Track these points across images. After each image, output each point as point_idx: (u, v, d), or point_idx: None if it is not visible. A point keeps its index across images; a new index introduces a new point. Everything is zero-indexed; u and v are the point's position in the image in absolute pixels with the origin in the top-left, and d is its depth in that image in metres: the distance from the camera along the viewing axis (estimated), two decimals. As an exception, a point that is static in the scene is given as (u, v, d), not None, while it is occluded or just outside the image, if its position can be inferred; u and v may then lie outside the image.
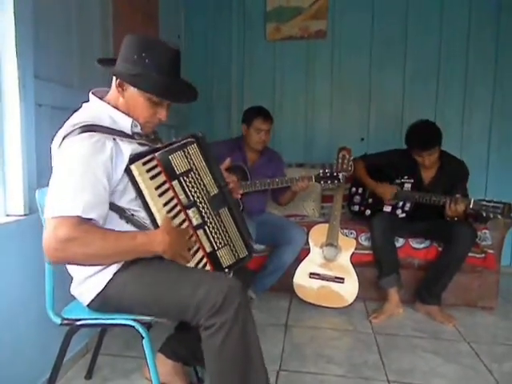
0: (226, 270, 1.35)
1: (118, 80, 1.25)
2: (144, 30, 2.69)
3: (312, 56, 3.45)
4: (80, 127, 1.16)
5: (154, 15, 2.87)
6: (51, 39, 1.71)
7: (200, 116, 3.50)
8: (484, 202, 2.27)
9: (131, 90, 1.25)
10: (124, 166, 1.20)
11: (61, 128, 1.22)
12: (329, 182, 2.42)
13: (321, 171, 2.44)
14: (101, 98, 1.29)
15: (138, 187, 1.22)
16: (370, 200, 2.75)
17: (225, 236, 1.36)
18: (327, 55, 3.43)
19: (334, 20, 3.37)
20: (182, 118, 3.25)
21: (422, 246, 2.57)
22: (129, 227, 1.24)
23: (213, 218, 1.34)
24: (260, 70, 3.54)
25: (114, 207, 1.22)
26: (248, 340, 1.17)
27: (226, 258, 1.35)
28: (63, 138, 1.17)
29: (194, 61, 3.51)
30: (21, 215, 1.52)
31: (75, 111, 1.28)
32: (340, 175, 2.40)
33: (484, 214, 2.28)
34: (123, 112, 1.27)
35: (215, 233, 1.34)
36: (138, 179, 1.21)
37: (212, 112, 3.60)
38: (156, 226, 1.24)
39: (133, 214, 1.25)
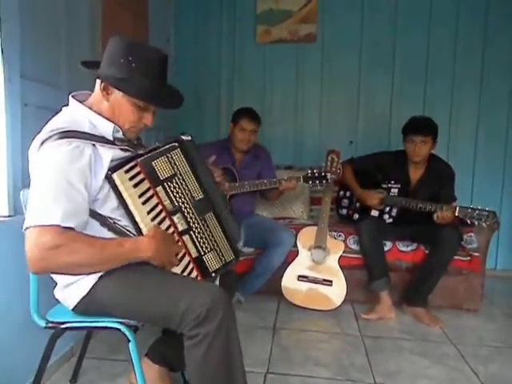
0: (213, 275, 1.34)
1: (103, 83, 1.22)
2: (133, 31, 2.68)
3: (301, 59, 3.47)
4: (58, 133, 1.12)
5: (143, 17, 2.85)
6: (38, 39, 1.69)
7: (189, 118, 3.49)
8: (469, 210, 2.29)
9: (116, 94, 1.22)
10: (104, 173, 1.17)
11: (39, 133, 1.18)
12: (317, 182, 2.43)
13: (309, 171, 2.45)
14: (82, 102, 1.25)
15: (121, 196, 1.19)
16: (358, 204, 2.77)
17: (211, 241, 1.35)
18: (317, 58, 3.46)
19: (323, 23, 3.40)
20: (172, 121, 3.23)
21: (409, 248, 2.59)
22: (110, 235, 1.21)
23: (198, 223, 1.33)
24: (250, 72, 3.54)
25: (94, 215, 1.19)
26: (231, 354, 1.15)
27: (212, 262, 1.34)
28: (41, 144, 1.13)
29: (183, 63, 3.50)
30: (5, 216, 1.50)
31: (56, 114, 1.25)
32: (328, 175, 2.42)
33: (469, 222, 2.31)
34: (106, 117, 1.23)
35: (201, 238, 1.32)
36: (121, 188, 1.19)
37: (201, 114, 3.59)
38: (140, 234, 1.22)
39: (115, 222, 1.22)
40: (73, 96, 1.27)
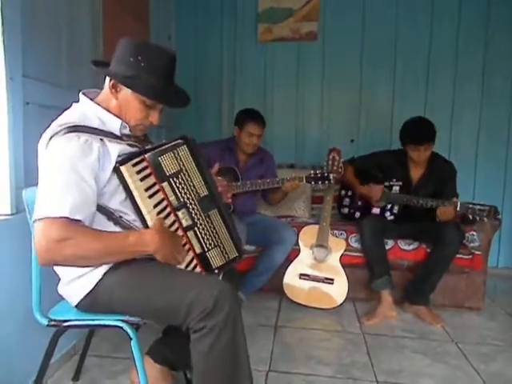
0: (216, 271, 1.35)
1: (112, 81, 1.24)
2: (134, 30, 2.68)
3: (303, 57, 3.47)
4: (67, 127, 1.15)
5: (144, 16, 2.85)
6: (40, 38, 1.70)
7: (191, 117, 3.49)
8: (470, 205, 2.30)
9: (125, 92, 1.24)
10: (111, 167, 1.19)
11: (48, 127, 1.21)
12: (319, 182, 2.43)
13: (312, 172, 2.44)
14: (91, 99, 1.27)
15: (129, 189, 1.21)
16: (360, 203, 2.77)
17: (215, 237, 1.36)
18: (318, 57, 3.45)
19: (325, 22, 3.39)
20: (173, 119, 3.23)
21: (410, 247, 2.59)
22: (117, 229, 1.23)
23: (203, 220, 1.34)
24: (251, 71, 3.54)
25: (102, 209, 1.21)
26: (237, 345, 1.16)
27: (216, 259, 1.35)
28: (50, 138, 1.15)
29: (184, 62, 3.49)
30: (7, 215, 1.50)
31: (64, 110, 1.27)
32: (331, 176, 2.41)
33: (470, 217, 2.31)
34: (114, 114, 1.26)
35: (205, 234, 1.33)
36: (129, 181, 1.21)
37: (203, 113, 3.59)
38: (146, 227, 1.23)
39: (121, 216, 1.24)
40: (83, 93, 1.29)
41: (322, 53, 3.44)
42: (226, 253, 1.38)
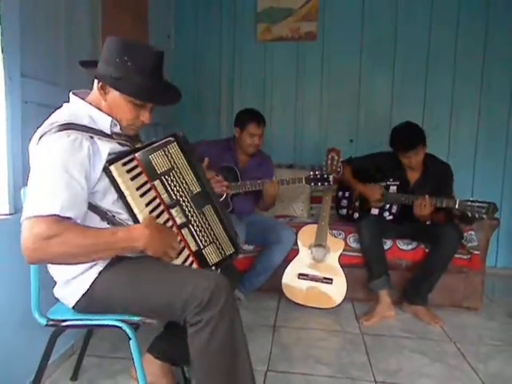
0: (213, 268, 1.35)
1: (101, 83, 1.24)
2: (133, 29, 2.68)
3: (302, 57, 3.47)
4: (57, 126, 1.15)
5: (143, 15, 2.85)
6: (38, 37, 1.69)
7: (189, 115, 3.49)
8: (469, 203, 2.30)
9: (114, 93, 1.24)
10: (102, 165, 1.19)
11: (39, 127, 1.20)
12: (319, 183, 2.42)
13: (311, 173, 2.43)
14: (82, 99, 1.27)
15: (119, 188, 1.21)
16: (357, 203, 2.77)
17: (210, 234, 1.35)
18: (317, 56, 3.45)
19: (324, 21, 3.39)
20: (170, 117, 3.23)
21: (409, 247, 2.59)
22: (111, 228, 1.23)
23: (197, 217, 1.33)
24: (250, 70, 3.54)
25: (95, 209, 1.21)
26: (234, 336, 1.16)
27: (212, 255, 1.35)
28: (40, 137, 1.15)
29: (184, 61, 3.50)
30: (6, 214, 1.49)
31: (57, 109, 1.27)
32: (330, 177, 2.40)
33: (469, 214, 2.31)
34: (105, 113, 1.25)
35: (200, 231, 1.33)
36: (119, 180, 1.20)
37: (202, 112, 3.59)
38: None
39: (114, 216, 1.23)
40: (74, 93, 1.29)
41: (322, 53, 3.44)
42: (223, 249, 1.38)
